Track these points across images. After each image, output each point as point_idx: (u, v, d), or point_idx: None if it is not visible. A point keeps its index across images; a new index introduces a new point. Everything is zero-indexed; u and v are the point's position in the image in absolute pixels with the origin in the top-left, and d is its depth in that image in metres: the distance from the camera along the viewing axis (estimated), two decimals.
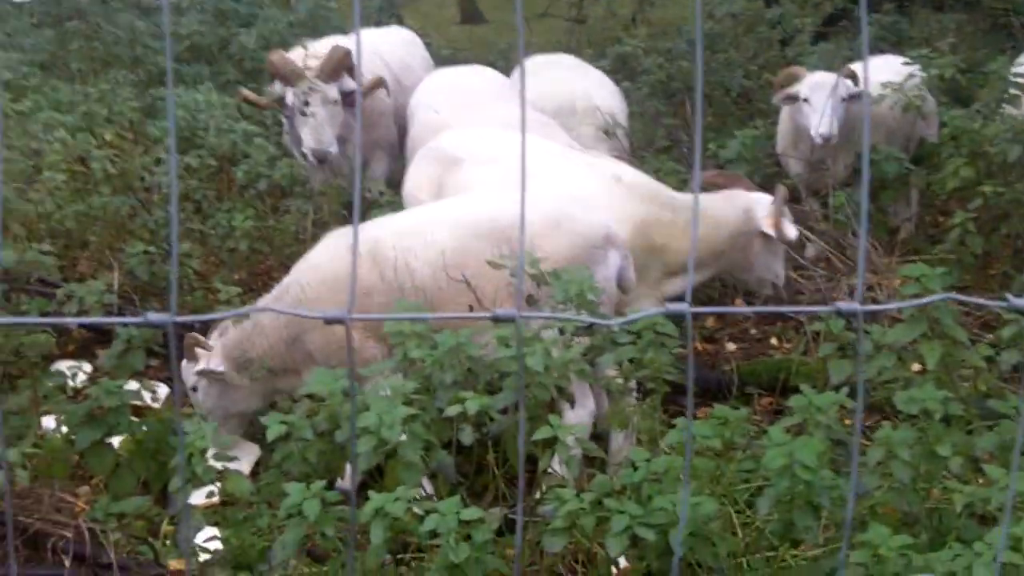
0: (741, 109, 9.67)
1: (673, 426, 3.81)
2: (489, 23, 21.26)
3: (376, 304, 4.63)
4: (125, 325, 5.10)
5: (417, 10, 16.70)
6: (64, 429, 4.63)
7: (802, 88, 6.96)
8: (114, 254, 6.45)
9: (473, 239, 4.66)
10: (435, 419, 3.84)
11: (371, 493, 3.34)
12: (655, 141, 7.96)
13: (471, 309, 4.52)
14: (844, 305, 1.58)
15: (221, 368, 4.89)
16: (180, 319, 1.46)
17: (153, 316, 1.41)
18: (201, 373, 4.90)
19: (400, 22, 12.77)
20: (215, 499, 4.32)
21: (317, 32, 10.05)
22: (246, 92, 7.17)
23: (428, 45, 11.32)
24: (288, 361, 4.86)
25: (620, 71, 9.66)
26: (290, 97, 6.69)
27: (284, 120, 7.07)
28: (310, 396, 4.11)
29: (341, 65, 6.73)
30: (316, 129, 6.64)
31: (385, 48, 8.08)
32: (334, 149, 6.66)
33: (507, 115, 6.46)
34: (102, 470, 4.62)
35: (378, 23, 12.43)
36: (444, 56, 11.30)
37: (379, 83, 7.07)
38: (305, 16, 10.64)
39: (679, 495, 3.31)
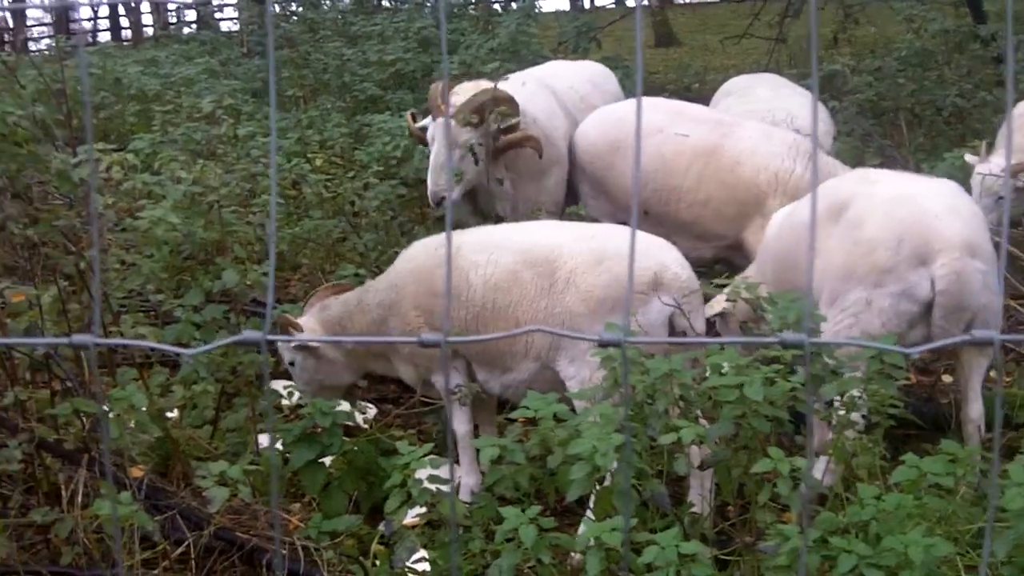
0: (952, 129, 9.29)
1: (899, 462, 3.63)
2: (683, 45, 21.12)
3: (442, 305, 4.81)
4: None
5: (612, 34, 16.67)
6: (279, 447, 4.76)
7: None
8: (325, 276, 6.64)
9: (524, 266, 4.78)
10: (647, 447, 3.77)
11: (585, 521, 3.29)
12: (864, 160, 7.66)
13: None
14: None
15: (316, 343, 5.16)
16: (453, 339, 1.44)
17: (427, 336, 1.39)
18: (298, 348, 5.19)
19: (599, 46, 12.79)
20: (420, 519, 4.34)
21: (517, 58, 10.16)
22: (408, 116, 6.86)
23: (626, 67, 11.32)
24: None
25: (826, 90, 9.40)
26: (429, 131, 6.32)
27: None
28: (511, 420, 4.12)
29: (485, 109, 6.16)
30: (435, 170, 6.13)
31: (561, 85, 7.41)
32: (452, 195, 6.06)
33: (764, 131, 6.44)
34: (314, 488, 4.74)
35: (575, 48, 12.50)
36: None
37: (527, 139, 6.35)
38: (506, 42, 10.73)
39: (910, 535, 3.14)
